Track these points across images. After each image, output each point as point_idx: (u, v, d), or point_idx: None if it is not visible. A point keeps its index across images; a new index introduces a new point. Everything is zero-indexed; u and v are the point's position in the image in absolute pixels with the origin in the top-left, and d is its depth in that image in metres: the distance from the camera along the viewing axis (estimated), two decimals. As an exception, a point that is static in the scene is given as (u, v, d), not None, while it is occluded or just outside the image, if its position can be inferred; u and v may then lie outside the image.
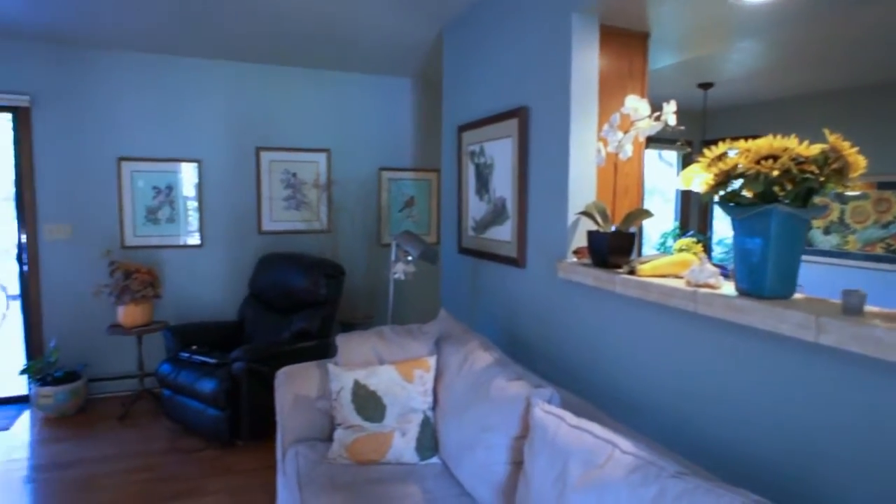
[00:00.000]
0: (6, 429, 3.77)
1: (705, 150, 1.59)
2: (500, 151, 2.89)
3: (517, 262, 2.75)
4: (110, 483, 3.05)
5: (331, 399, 2.31)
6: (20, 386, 4.20)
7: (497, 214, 2.95)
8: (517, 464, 1.79)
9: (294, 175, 4.67)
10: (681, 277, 1.82)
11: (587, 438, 1.50)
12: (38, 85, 4.06)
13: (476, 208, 3.19)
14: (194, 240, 4.48)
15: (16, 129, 4.07)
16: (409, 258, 3.13)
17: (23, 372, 4.04)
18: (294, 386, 2.44)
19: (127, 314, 3.88)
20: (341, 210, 4.82)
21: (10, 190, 4.14)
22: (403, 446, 2.16)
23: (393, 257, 3.19)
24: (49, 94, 4.09)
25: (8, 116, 4.06)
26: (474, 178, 3.20)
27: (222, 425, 3.35)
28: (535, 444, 1.62)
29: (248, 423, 3.36)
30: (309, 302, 3.84)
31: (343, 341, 2.41)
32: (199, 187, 4.46)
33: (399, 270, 3.12)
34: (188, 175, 4.44)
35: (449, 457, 2.10)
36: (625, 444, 1.43)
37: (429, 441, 2.19)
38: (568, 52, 2.35)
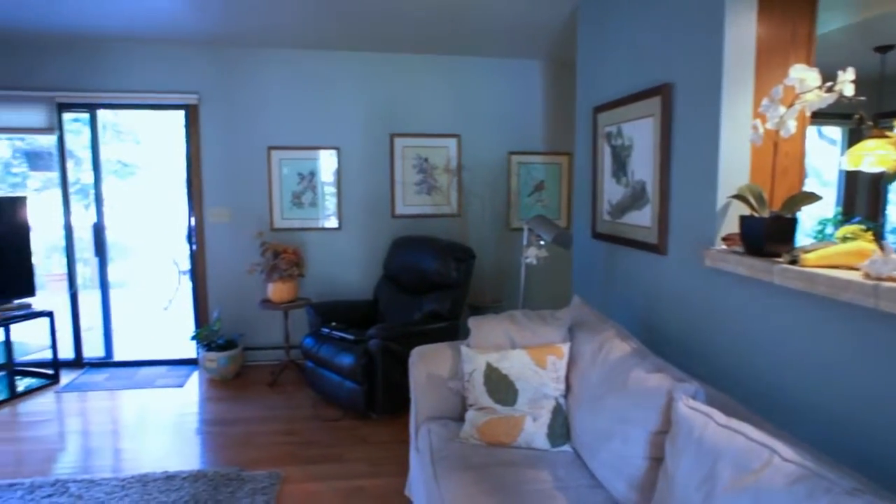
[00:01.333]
0: (181, 386, 4.32)
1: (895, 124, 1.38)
2: (640, 132, 2.74)
3: (657, 248, 2.61)
4: (262, 441, 3.37)
5: (463, 380, 2.36)
6: (190, 350, 4.78)
7: (635, 199, 2.81)
8: (656, 459, 1.71)
9: (426, 160, 4.79)
10: (855, 269, 1.61)
11: (739, 440, 1.38)
12: (205, 84, 4.53)
13: (612, 192, 3.07)
14: (333, 223, 4.78)
15: (187, 124, 4.59)
16: (542, 243, 3.09)
17: (192, 338, 4.60)
18: (427, 365, 2.52)
19: (275, 291, 4.25)
20: (471, 194, 4.88)
21: (183, 178, 4.68)
22: (534, 431, 2.15)
23: (525, 241, 3.17)
24: (213, 91, 4.55)
25: (181, 114, 4.59)
26: (610, 161, 3.07)
27: (359, 398, 3.56)
28: (679, 441, 1.53)
29: (382, 398, 3.54)
30: (439, 284, 3.94)
31: (475, 324, 2.44)
32: (338, 173, 4.74)
33: (531, 255, 3.09)
34: (328, 162, 4.73)
35: (582, 446, 2.06)
36: (785, 450, 1.30)
37: (560, 428, 2.16)
38: (720, 20, 2.16)
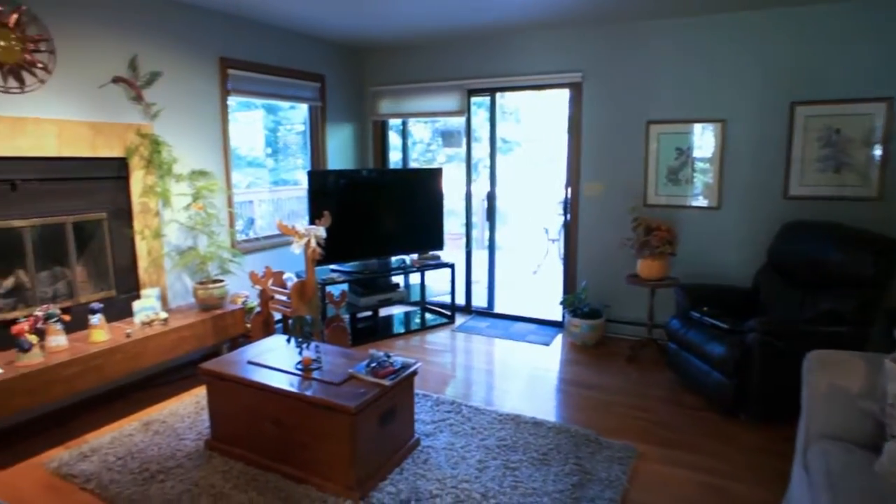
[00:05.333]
0: (547, 344, 4.73)
1: None
2: None
3: None
4: (617, 412, 3.43)
5: (883, 402, 1.92)
6: (557, 313, 5.17)
7: None
8: None
9: (837, 132, 3.98)
10: None
11: None
12: (588, 62, 4.71)
13: None
14: (711, 201, 4.42)
15: (571, 101, 4.86)
16: None
17: (560, 303, 4.96)
18: (830, 374, 2.14)
19: (644, 267, 4.21)
20: (902, 173, 3.86)
21: (563, 153, 4.99)
22: None
23: None
24: (595, 68, 4.70)
25: (557, 93, 4.88)
26: None
27: (726, 393, 3.27)
28: None
29: (755, 399, 3.18)
30: (843, 280, 3.27)
31: (909, 337, 1.95)
32: (721, 148, 4.34)
33: None
34: (710, 135, 4.37)
35: None
36: None
37: None
38: None
